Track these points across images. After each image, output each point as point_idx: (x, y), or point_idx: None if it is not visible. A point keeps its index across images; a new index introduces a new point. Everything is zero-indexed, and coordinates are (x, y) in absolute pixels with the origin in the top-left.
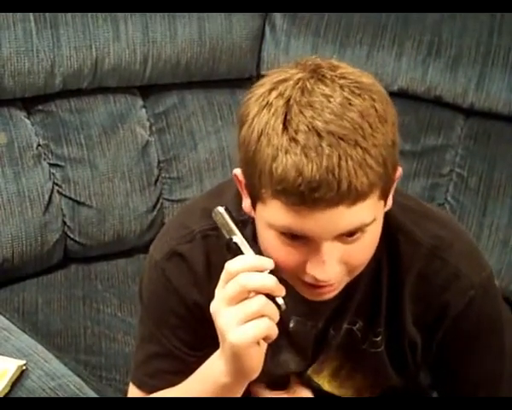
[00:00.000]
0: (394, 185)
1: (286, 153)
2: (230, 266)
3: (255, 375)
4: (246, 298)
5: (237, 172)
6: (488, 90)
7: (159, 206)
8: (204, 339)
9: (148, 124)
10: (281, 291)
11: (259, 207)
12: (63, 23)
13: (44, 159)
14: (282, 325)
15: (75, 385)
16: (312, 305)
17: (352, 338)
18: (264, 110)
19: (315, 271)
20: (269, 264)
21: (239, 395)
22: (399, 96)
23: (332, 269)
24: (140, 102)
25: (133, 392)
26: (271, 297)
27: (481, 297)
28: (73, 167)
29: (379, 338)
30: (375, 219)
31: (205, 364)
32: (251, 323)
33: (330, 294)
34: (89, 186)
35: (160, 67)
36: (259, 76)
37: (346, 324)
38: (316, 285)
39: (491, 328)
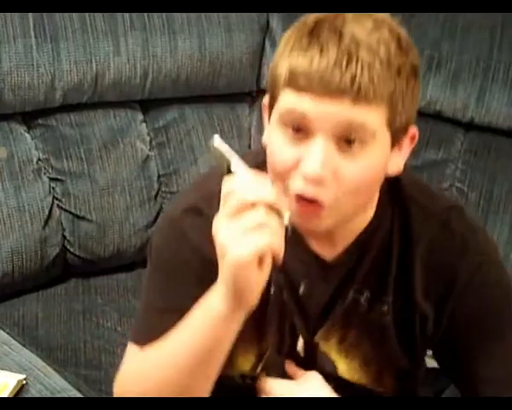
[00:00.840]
0: (408, 144)
1: (305, 45)
2: (228, 183)
3: (254, 302)
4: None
5: (265, 99)
6: (488, 104)
7: (151, 229)
8: None
9: (148, 138)
10: (280, 202)
11: (274, 111)
12: (63, 37)
13: (44, 173)
14: (292, 290)
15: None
16: (322, 269)
17: (359, 306)
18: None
19: (307, 164)
20: (265, 180)
21: (237, 329)
22: None
23: (323, 167)
24: (140, 116)
25: (132, 350)
26: (275, 211)
27: (489, 265)
28: (73, 182)
29: (385, 307)
30: (374, 135)
31: (203, 300)
32: (252, 235)
33: (319, 221)
34: (89, 200)
35: (161, 81)
36: (260, 91)
37: (353, 292)
38: (306, 200)
39: (500, 295)
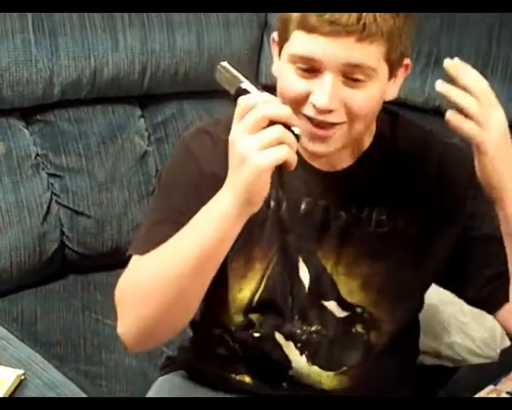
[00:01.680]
0: (402, 73)
1: None
2: (245, 100)
3: (259, 205)
4: (264, 128)
5: (274, 34)
6: None
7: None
8: None
9: (146, 134)
10: (296, 120)
11: (285, 48)
12: (62, 33)
13: (43, 169)
14: (293, 208)
15: (73, 395)
16: (323, 187)
17: (359, 221)
18: None
19: (317, 97)
20: (278, 99)
21: (238, 231)
22: (398, 106)
23: (331, 99)
24: (138, 111)
25: (132, 260)
26: (287, 128)
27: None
28: (72, 177)
29: (384, 218)
30: (376, 71)
31: (208, 204)
32: (273, 148)
33: (328, 146)
34: (87, 196)
35: (159, 77)
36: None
37: (354, 208)
38: (316, 124)
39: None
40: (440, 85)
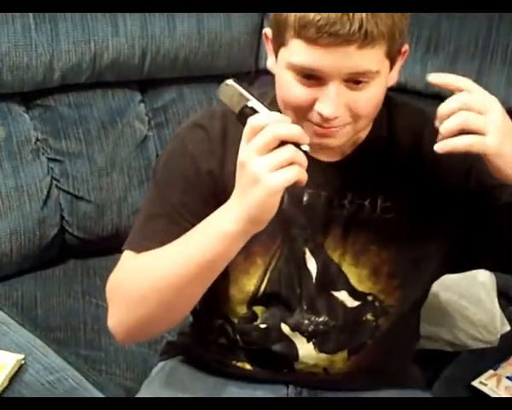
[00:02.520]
0: (400, 59)
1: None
2: (255, 120)
3: (265, 225)
4: (274, 148)
5: (267, 30)
6: (487, 85)
7: None
8: (207, 211)
9: (146, 118)
10: (306, 139)
11: (282, 51)
12: (62, 18)
13: (43, 153)
14: (295, 200)
15: (73, 379)
16: (325, 175)
17: (363, 209)
18: None
19: (322, 107)
20: (288, 119)
21: (242, 245)
22: (398, 91)
23: (337, 107)
24: (139, 96)
25: (126, 256)
26: (297, 146)
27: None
28: (72, 162)
29: (388, 204)
30: (379, 72)
31: (209, 217)
32: (285, 169)
33: (334, 140)
34: (87, 181)
35: (159, 61)
36: (258, 71)
37: (356, 196)
38: (321, 126)
39: None
40: (433, 77)
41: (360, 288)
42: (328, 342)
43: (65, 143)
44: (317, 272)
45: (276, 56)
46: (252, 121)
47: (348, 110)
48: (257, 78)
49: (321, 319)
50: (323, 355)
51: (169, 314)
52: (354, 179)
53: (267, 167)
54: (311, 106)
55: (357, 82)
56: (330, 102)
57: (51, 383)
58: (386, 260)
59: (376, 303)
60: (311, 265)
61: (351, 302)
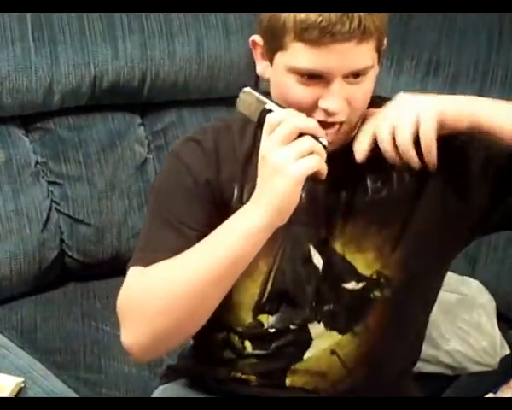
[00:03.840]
0: (383, 51)
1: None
2: (274, 115)
3: (287, 217)
4: (294, 140)
5: (255, 37)
6: None
7: None
8: (209, 219)
9: (146, 142)
10: (322, 132)
11: (279, 56)
12: (61, 41)
13: (43, 176)
14: None
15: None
16: None
17: (357, 195)
18: None
19: (327, 103)
20: (303, 114)
21: (264, 241)
22: None
23: (340, 103)
24: (138, 119)
25: (134, 271)
26: (315, 138)
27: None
28: (72, 185)
29: (378, 183)
30: (373, 66)
31: (231, 218)
32: (306, 158)
33: (337, 135)
34: (87, 204)
35: (159, 84)
36: None
37: (350, 184)
38: (326, 123)
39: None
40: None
41: (367, 273)
42: (337, 320)
43: (65, 167)
44: (324, 267)
45: (271, 61)
46: (270, 117)
47: (347, 103)
48: None
49: (328, 307)
50: (335, 333)
51: (191, 322)
52: (346, 169)
53: (289, 157)
54: (314, 105)
55: (356, 76)
56: (334, 97)
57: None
58: (388, 237)
59: (382, 280)
60: (317, 261)
61: (356, 286)
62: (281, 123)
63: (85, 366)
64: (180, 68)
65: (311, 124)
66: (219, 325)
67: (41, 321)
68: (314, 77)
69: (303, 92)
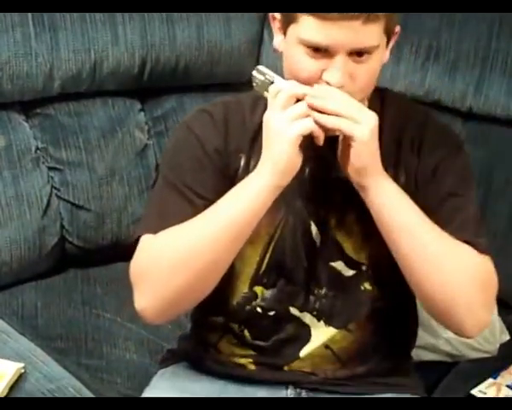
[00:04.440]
0: (393, 39)
1: None
2: (275, 86)
3: (290, 178)
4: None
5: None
6: (487, 93)
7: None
8: (218, 187)
9: (146, 127)
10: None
11: (291, 28)
12: (62, 27)
13: (43, 162)
14: (298, 172)
15: (74, 388)
16: (324, 149)
17: None
18: None
19: (330, 75)
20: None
21: (272, 201)
22: None
23: (343, 77)
24: (138, 105)
25: (144, 240)
26: None
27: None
28: (72, 171)
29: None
30: (378, 46)
31: (239, 184)
32: (301, 120)
33: None
34: (87, 190)
35: (159, 70)
36: None
37: None
38: None
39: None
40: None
41: (355, 257)
42: (333, 316)
43: (65, 152)
44: (320, 243)
45: (285, 34)
46: (271, 88)
47: (351, 81)
48: None
49: (323, 292)
50: (332, 329)
51: (201, 285)
52: None
53: (285, 120)
54: (318, 77)
55: (360, 54)
56: (337, 71)
57: (51, 391)
58: (377, 229)
59: (370, 272)
60: (316, 236)
61: (347, 271)
62: (280, 91)
63: (86, 351)
64: (180, 54)
65: (307, 91)
66: (217, 307)
67: (41, 307)
68: (320, 50)
69: (309, 64)
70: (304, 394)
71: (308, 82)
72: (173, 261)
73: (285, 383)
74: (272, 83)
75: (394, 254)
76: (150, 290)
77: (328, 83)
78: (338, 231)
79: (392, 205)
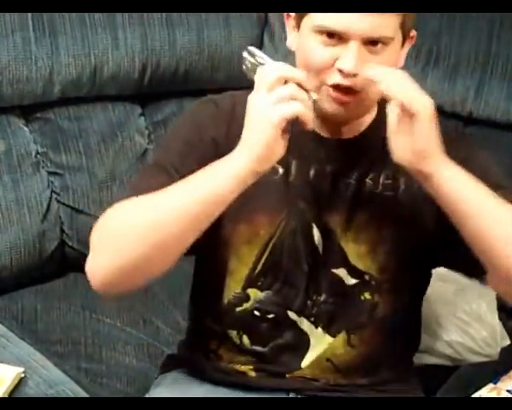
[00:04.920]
0: (408, 43)
1: None
2: (264, 68)
3: (270, 165)
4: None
5: None
6: (487, 98)
7: None
8: None
9: (146, 132)
10: (308, 84)
11: (306, 19)
12: (62, 31)
13: (43, 167)
14: (302, 174)
15: (73, 392)
16: (331, 151)
17: (366, 186)
18: None
19: (342, 62)
20: (295, 68)
21: (244, 188)
22: None
23: (356, 64)
24: (139, 110)
25: (119, 203)
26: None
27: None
28: (72, 175)
29: (389, 181)
30: (393, 39)
31: (217, 161)
32: (286, 103)
33: (350, 107)
34: (87, 194)
35: (159, 75)
36: None
37: (360, 173)
38: (342, 88)
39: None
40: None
41: (358, 265)
42: (331, 323)
43: (65, 157)
44: (323, 248)
45: (299, 27)
46: (261, 69)
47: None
48: None
49: (322, 299)
50: (329, 337)
51: (160, 258)
52: (359, 157)
53: (269, 102)
54: (331, 65)
55: (375, 43)
56: (350, 57)
57: (51, 396)
58: (385, 238)
59: (373, 282)
60: (318, 241)
61: (348, 280)
62: (267, 73)
63: (86, 356)
64: (180, 58)
65: (295, 72)
66: (209, 305)
67: (41, 311)
68: (334, 37)
69: (323, 52)
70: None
71: (320, 71)
72: (134, 229)
73: (286, 390)
74: (262, 65)
75: (470, 240)
76: (105, 252)
77: (340, 71)
78: (342, 238)
79: (465, 190)
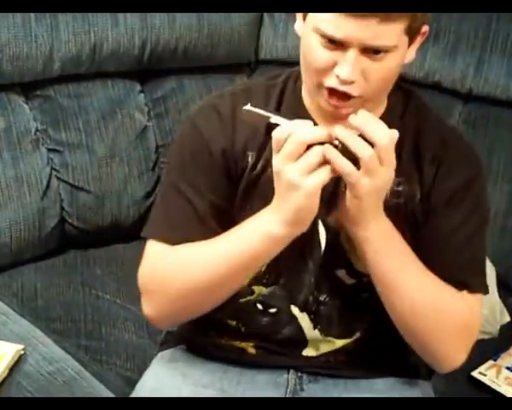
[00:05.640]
0: (420, 38)
1: None
2: (280, 131)
3: (308, 225)
4: (302, 154)
5: None
6: (486, 75)
7: (157, 191)
8: (222, 189)
9: (146, 109)
10: (331, 138)
11: (311, 15)
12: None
13: (43, 144)
14: None
15: (73, 369)
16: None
17: None
18: None
19: (340, 69)
20: (310, 122)
21: (283, 247)
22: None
23: (353, 73)
24: (138, 87)
25: (153, 247)
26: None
27: (480, 177)
28: (72, 152)
29: (400, 188)
30: (396, 47)
31: (252, 218)
32: (318, 171)
33: (347, 108)
34: (87, 171)
35: (159, 52)
36: (258, 61)
37: None
38: (338, 92)
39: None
40: (339, 129)
41: (357, 267)
42: (332, 326)
43: (64, 134)
44: (326, 246)
45: (305, 18)
46: (275, 133)
47: (363, 78)
48: (257, 68)
49: (322, 298)
50: (330, 338)
51: (207, 304)
52: None
53: (301, 172)
54: (330, 69)
55: (377, 52)
56: (348, 65)
57: (51, 373)
58: None
59: (372, 283)
60: (322, 238)
61: (348, 279)
62: (287, 138)
63: (86, 333)
64: (180, 36)
65: (316, 133)
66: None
67: (41, 289)
68: (334, 42)
69: (322, 54)
70: (305, 378)
71: (320, 72)
72: (183, 282)
73: (286, 367)
74: (270, 123)
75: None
76: (158, 302)
77: (338, 76)
78: (346, 238)
79: (380, 250)
